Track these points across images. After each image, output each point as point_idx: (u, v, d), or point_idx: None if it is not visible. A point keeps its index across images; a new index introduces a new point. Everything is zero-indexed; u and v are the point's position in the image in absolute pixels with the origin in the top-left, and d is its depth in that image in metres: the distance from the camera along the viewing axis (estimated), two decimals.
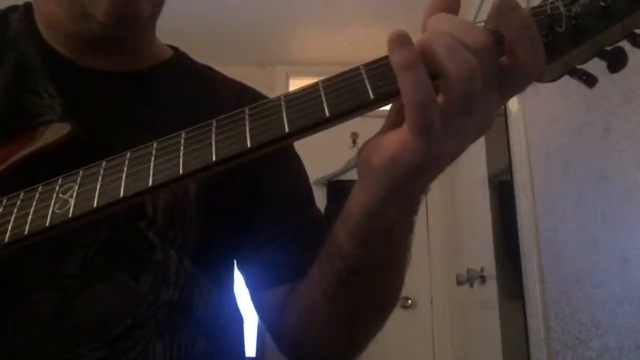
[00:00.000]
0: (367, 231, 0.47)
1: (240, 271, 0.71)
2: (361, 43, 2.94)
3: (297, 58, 3.16)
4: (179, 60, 0.74)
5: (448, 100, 0.38)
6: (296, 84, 3.19)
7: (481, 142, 2.26)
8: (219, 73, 0.77)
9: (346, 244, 0.49)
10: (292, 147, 0.74)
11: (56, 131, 0.56)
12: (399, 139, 0.40)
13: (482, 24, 0.43)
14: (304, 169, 0.75)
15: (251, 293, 0.70)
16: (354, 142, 3.05)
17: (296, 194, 0.72)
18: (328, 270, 0.53)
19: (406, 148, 0.40)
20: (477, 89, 0.37)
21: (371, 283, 0.53)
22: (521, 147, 1.78)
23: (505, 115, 1.94)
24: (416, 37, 0.40)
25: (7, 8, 0.71)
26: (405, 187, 0.44)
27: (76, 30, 0.63)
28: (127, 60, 0.68)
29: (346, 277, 0.51)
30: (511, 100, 1.94)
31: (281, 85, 3.16)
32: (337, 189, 3.05)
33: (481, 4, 2.28)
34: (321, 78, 0.43)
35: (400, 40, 0.38)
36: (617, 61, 0.42)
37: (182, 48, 0.78)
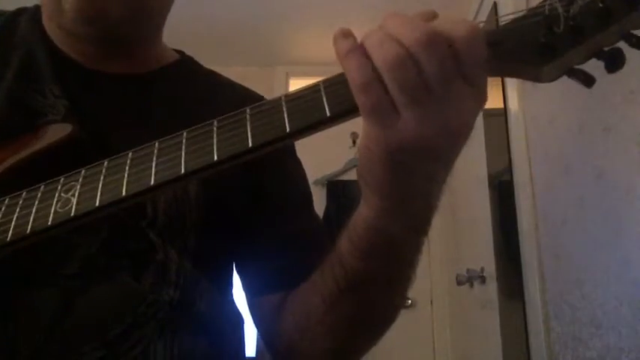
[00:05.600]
0: (368, 245, 0.48)
1: (239, 275, 0.71)
2: None
3: (297, 58, 3.16)
4: (184, 63, 0.75)
5: (389, 88, 0.39)
6: (296, 84, 3.19)
7: (481, 142, 2.25)
8: (224, 77, 0.77)
9: (347, 255, 0.50)
10: (293, 150, 0.74)
11: (57, 132, 0.56)
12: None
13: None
14: (304, 172, 0.75)
15: (247, 297, 0.70)
16: (354, 142, 3.05)
17: (295, 198, 0.72)
18: (329, 278, 0.53)
19: (367, 138, 0.41)
20: (410, 78, 0.38)
21: (369, 297, 0.53)
22: (521, 147, 1.78)
23: (505, 115, 1.94)
24: None
25: (17, 10, 0.71)
26: (393, 194, 0.44)
27: (60, 24, 0.64)
28: (132, 63, 0.68)
29: (345, 288, 0.52)
30: (511, 100, 1.95)
31: (281, 85, 3.16)
32: (337, 189, 3.05)
33: (481, 3, 2.28)
34: (322, 78, 0.44)
35: (342, 33, 0.40)
36: (614, 62, 0.42)
37: (182, 49, 0.78)
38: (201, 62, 0.78)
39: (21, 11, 0.71)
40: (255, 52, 3.09)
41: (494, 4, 2.07)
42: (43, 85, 0.62)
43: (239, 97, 0.74)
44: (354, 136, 3.03)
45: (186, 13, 2.52)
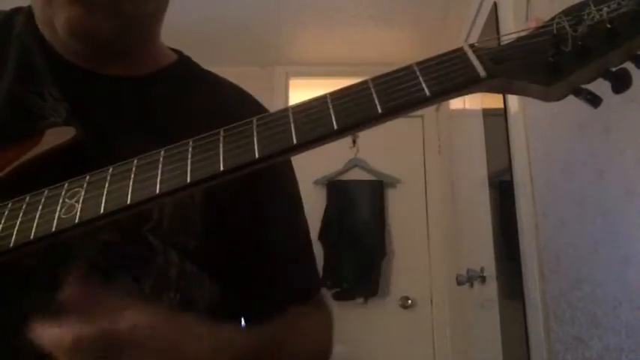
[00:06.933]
0: None
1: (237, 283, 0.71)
2: (361, 43, 2.94)
3: (297, 58, 3.16)
4: (183, 64, 0.74)
5: None
6: (296, 84, 3.19)
7: (481, 142, 2.25)
8: (222, 78, 0.77)
9: None
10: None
11: (61, 135, 0.56)
12: None
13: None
14: (294, 175, 0.76)
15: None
16: (354, 142, 3.05)
17: (284, 207, 0.73)
18: None
19: None
20: None
21: None
22: (521, 147, 1.78)
23: (505, 115, 1.93)
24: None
25: (12, 10, 0.71)
26: None
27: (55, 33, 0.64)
28: (130, 64, 0.68)
29: None
30: (511, 100, 1.94)
31: (281, 85, 3.15)
32: (337, 189, 3.06)
33: (481, 4, 2.28)
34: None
35: None
36: (621, 83, 0.42)
37: (182, 49, 0.78)
38: (202, 62, 0.78)
39: (17, 11, 0.70)
40: (255, 52, 3.09)
41: (495, 4, 2.07)
42: (42, 87, 0.62)
43: (238, 98, 0.74)
44: (354, 136, 3.03)
45: (187, 13, 2.53)
